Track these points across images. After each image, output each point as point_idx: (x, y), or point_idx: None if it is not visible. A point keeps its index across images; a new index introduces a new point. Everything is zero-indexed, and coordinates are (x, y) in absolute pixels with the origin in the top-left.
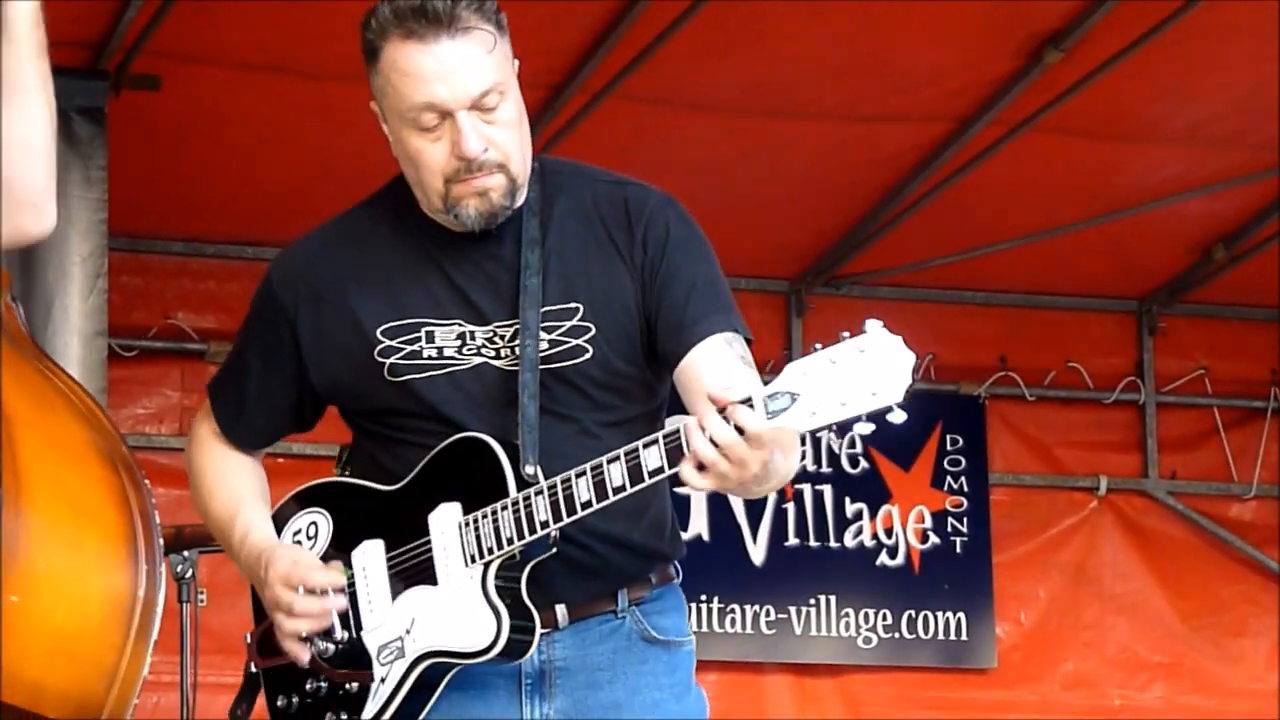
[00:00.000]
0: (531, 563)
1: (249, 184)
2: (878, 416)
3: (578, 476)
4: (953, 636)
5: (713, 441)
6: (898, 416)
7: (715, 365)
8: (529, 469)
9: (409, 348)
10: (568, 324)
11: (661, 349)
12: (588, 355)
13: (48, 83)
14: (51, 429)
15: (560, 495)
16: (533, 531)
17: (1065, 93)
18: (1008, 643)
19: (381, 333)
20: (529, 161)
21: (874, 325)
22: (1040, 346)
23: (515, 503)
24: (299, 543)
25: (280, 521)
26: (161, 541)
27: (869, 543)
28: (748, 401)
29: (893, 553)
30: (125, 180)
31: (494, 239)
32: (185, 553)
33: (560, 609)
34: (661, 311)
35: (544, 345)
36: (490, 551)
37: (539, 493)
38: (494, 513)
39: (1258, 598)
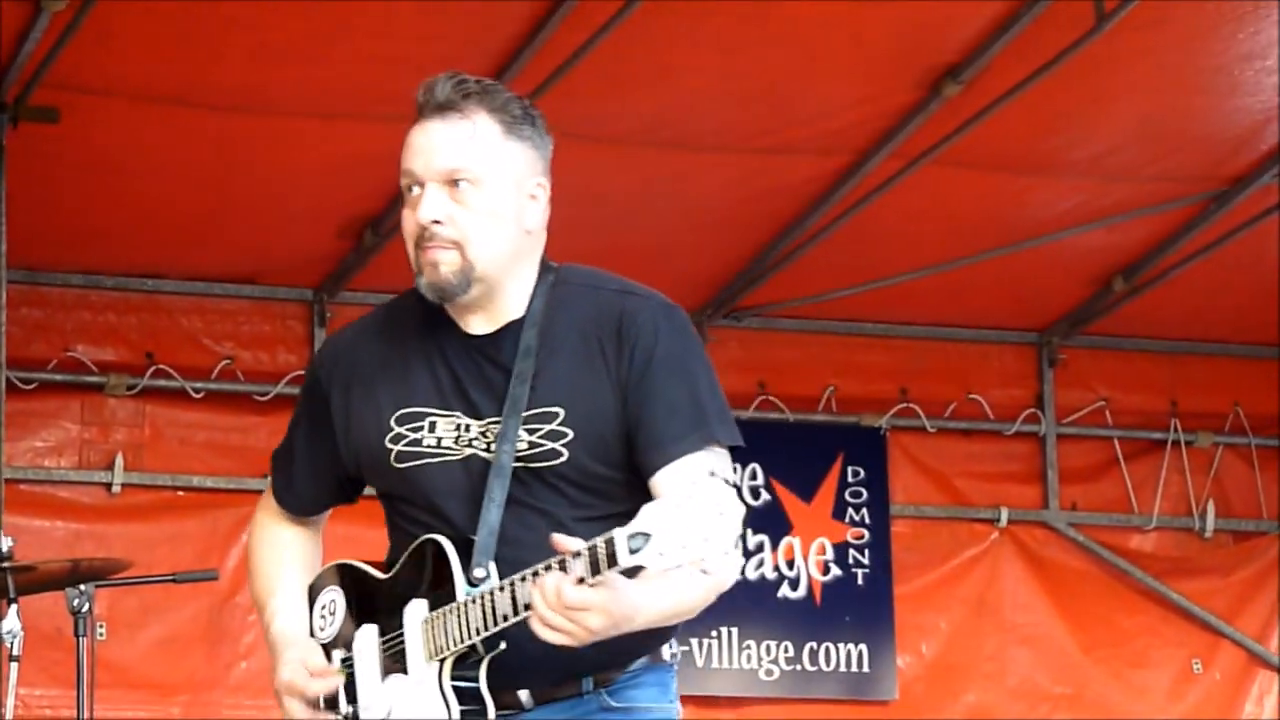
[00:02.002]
0: (488, 656)
1: (149, 216)
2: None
3: (499, 591)
4: (854, 668)
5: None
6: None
7: (673, 489)
8: (479, 571)
9: (413, 435)
10: (547, 427)
11: (637, 462)
12: (563, 458)
13: None
14: None
15: (491, 603)
16: (486, 630)
17: (964, 125)
18: (909, 674)
19: (395, 420)
20: (501, 259)
21: (714, 481)
22: (941, 378)
23: (461, 605)
24: (323, 617)
25: (316, 590)
26: None
27: (770, 574)
28: (600, 549)
29: (794, 584)
30: (23, 212)
31: (497, 342)
32: (82, 586)
33: (524, 694)
34: (640, 428)
35: (522, 446)
36: (443, 649)
37: (473, 600)
38: (445, 614)
39: (1159, 629)
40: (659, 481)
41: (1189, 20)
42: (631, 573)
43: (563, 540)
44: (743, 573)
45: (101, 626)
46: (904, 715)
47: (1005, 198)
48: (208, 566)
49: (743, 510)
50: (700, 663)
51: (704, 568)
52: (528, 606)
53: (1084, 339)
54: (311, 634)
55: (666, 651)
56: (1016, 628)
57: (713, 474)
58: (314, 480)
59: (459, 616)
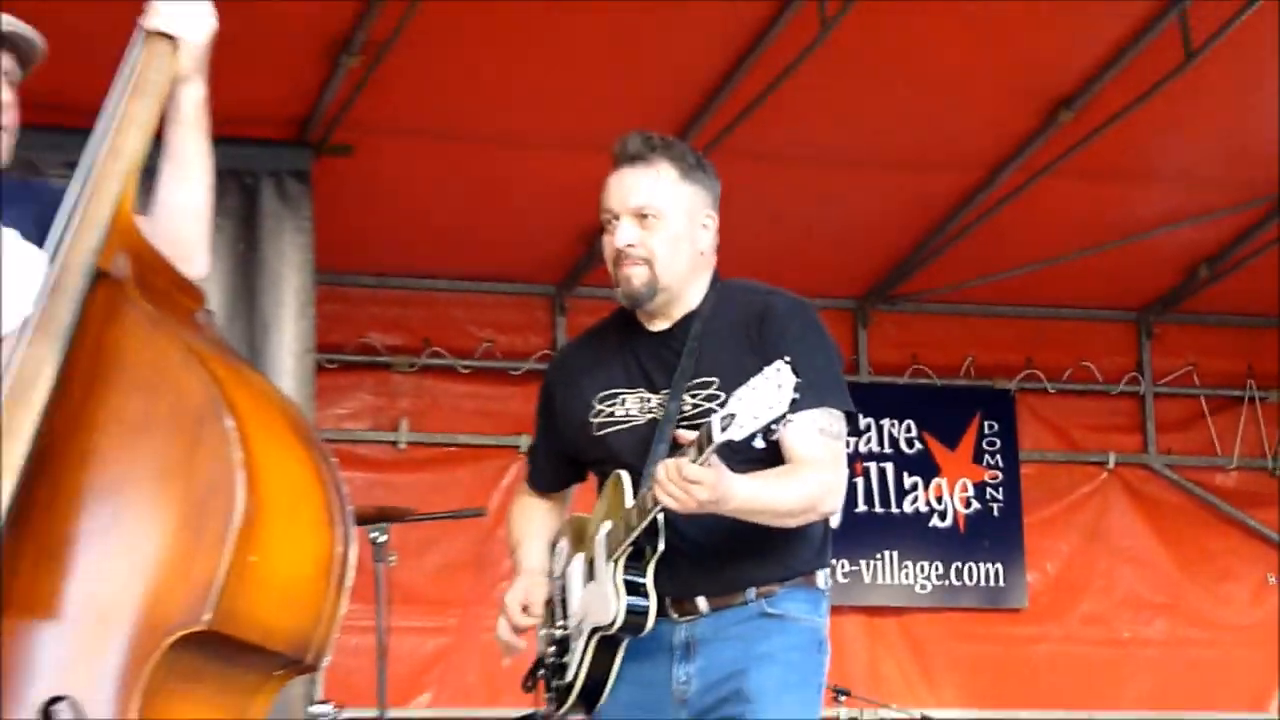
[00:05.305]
0: (654, 557)
1: (425, 229)
2: (774, 423)
3: (646, 492)
4: (992, 583)
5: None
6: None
7: (795, 436)
8: (644, 491)
9: (609, 409)
10: (705, 392)
11: None
12: None
13: (207, 157)
14: (265, 419)
15: (641, 502)
16: (638, 522)
17: (1075, 145)
18: (1037, 588)
19: (596, 400)
20: (680, 274)
21: (779, 364)
22: (1059, 349)
23: (625, 511)
24: (555, 558)
25: (554, 541)
26: (351, 507)
27: (923, 508)
28: (702, 438)
29: (942, 516)
30: (326, 227)
31: (672, 335)
32: (380, 524)
33: (701, 600)
34: None
35: (686, 406)
36: (615, 549)
37: (632, 505)
38: (616, 523)
39: (1239, 550)
40: (785, 430)
41: (1262, 54)
42: (755, 458)
43: (681, 432)
44: (900, 507)
45: (393, 555)
46: (1032, 621)
47: (1110, 202)
48: (476, 506)
49: (845, 457)
50: (868, 580)
51: (772, 436)
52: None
53: (1175, 316)
54: (549, 572)
55: (821, 578)
56: (1123, 550)
57: (821, 430)
58: (551, 462)
59: (624, 520)
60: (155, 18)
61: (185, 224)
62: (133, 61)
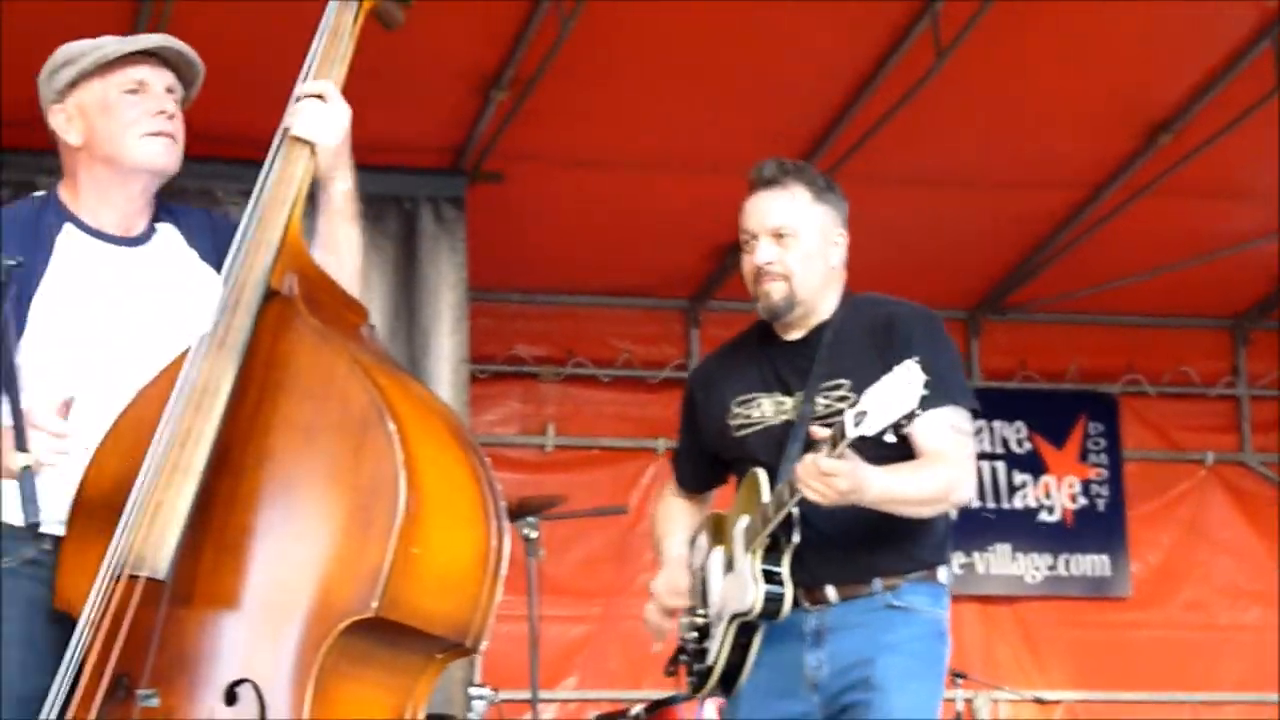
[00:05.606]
0: (789, 549)
1: (567, 248)
2: (904, 419)
3: (783, 486)
4: (1098, 573)
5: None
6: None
7: (925, 431)
8: (778, 485)
9: (746, 411)
10: (836, 394)
11: None
12: None
13: (356, 244)
14: (424, 423)
15: (778, 495)
16: (776, 514)
17: (1173, 165)
18: (1140, 577)
19: (735, 404)
20: (815, 288)
21: (909, 363)
22: (1159, 354)
23: (763, 504)
24: (696, 551)
25: (695, 536)
26: (504, 503)
27: (1032, 504)
28: (836, 433)
29: (1050, 511)
30: (479, 249)
31: (806, 343)
32: (530, 519)
33: (830, 590)
34: None
35: (819, 407)
36: (753, 540)
37: (770, 499)
38: (754, 516)
39: None
40: (916, 427)
41: None
42: (886, 454)
43: (816, 429)
44: (1011, 502)
45: (541, 549)
46: (1136, 608)
47: (1205, 217)
48: (618, 504)
49: (973, 450)
50: (981, 571)
51: (903, 431)
52: (794, 492)
53: (1269, 323)
54: (690, 564)
55: (943, 574)
56: (1220, 542)
57: (951, 425)
58: (694, 463)
59: (761, 514)
60: (292, 121)
61: None
62: (278, 153)
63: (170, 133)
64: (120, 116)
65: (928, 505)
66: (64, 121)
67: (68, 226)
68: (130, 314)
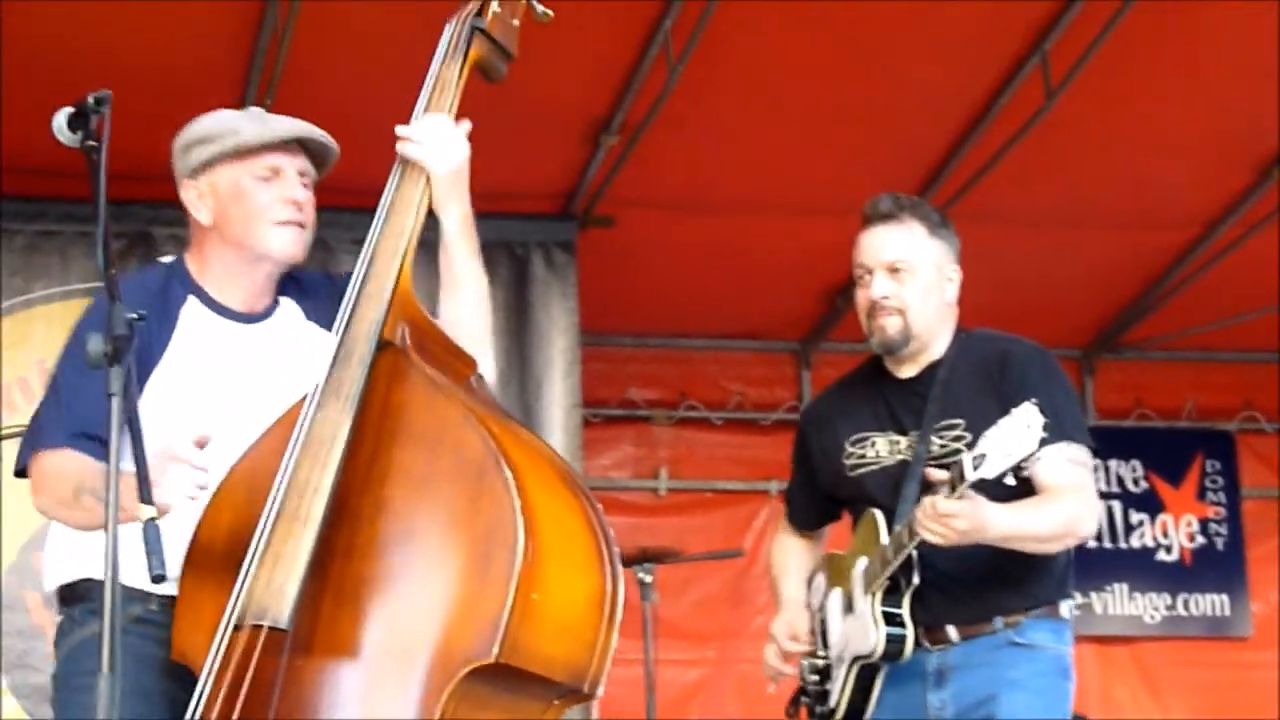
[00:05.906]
0: (909, 589)
1: (679, 291)
2: (1023, 461)
3: (902, 528)
4: (1217, 613)
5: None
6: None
7: (1046, 468)
8: (898, 529)
9: (860, 451)
10: (952, 434)
11: None
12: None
13: (478, 273)
14: (536, 469)
15: (897, 538)
16: (895, 557)
17: None
18: (1260, 616)
19: (849, 443)
20: (930, 322)
21: (1027, 405)
22: (1276, 391)
23: (882, 547)
24: (814, 592)
25: (812, 576)
26: (618, 549)
27: (1150, 543)
28: (955, 476)
29: (1168, 550)
30: (591, 292)
31: (920, 380)
32: (645, 564)
33: (951, 629)
34: None
35: (934, 447)
36: (872, 583)
37: (889, 542)
38: (874, 558)
39: None
40: (1037, 465)
41: None
42: (1006, 495)
43: (932, 471)
44: (1128, 542)
45: (655, 593)
46: (1257, 648)
47: None
48: (732, 547)
49: (1095, 485)
50: (1099, 611)
51: (1023, 473)
52: (913, 534)
53: None
54: (808, 605)
55: (1065, 608)
56: None
57: (1070, 460)
58: (807, 502)
59: (879, 555)
60: (405, 146)
61: (463, 336)
62: (396, 177)
63: (300, 221)
64: (252, 203)
65: (1052, 541)
66: (195, 198)
67: (191, 299)
68: (245, 386)
